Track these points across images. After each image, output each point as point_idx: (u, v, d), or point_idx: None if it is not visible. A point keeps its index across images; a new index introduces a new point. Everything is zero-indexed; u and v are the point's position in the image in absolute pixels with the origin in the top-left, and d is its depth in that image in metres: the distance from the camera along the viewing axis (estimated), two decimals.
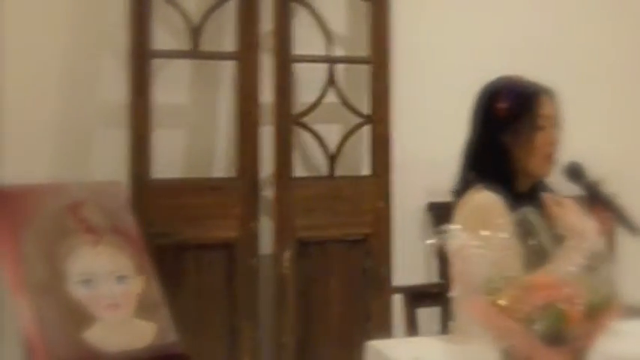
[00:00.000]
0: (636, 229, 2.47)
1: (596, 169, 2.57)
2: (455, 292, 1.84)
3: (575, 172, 2.52)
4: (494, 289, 1.82)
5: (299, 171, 3.75)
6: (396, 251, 3.77)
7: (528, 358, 1.80)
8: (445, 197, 2.63)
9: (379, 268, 3.73)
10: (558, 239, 1.98)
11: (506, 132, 2.45)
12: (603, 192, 2.51)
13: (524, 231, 2.06)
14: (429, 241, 2.02)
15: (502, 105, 2.46)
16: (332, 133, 3.79)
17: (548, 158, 2.47)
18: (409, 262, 3.83)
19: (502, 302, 1.79)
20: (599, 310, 1.82)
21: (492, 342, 1.83)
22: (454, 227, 1.90)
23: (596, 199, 2.50)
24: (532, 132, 2.43)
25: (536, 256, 1.96)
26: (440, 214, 3.66)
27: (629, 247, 3.04)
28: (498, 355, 1.85)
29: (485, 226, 1.96)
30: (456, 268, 1.89)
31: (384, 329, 3.60)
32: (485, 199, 2.39)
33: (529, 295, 1.80)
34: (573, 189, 2.55)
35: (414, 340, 2.52)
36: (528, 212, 2.03)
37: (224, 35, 3.67)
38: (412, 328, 2.67)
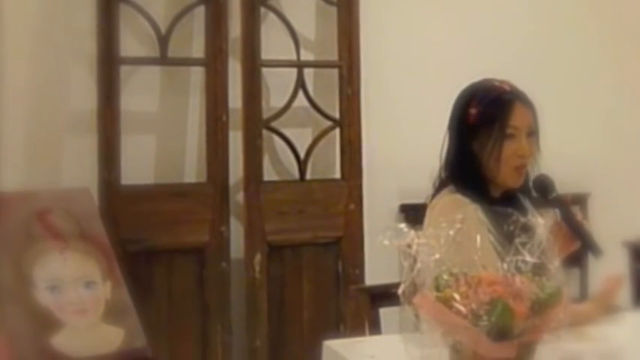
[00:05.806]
0: (598, 251, 2.36)
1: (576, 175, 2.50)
2: (401, 290, 1.85)
3: (543, 186, 2.42)
4: (440, 286, 1.83)
5: (269, 175, 3.77)
6: (369, 253, 3.77)
7: (475, 353, 1.81)
8: (417, 199, 2.59)
9: (351, 270, 3.74)
10: (509, 237, 1.98)
11: (476, 139, 2.37)
12: (568, 210, 2.41)
13: None
14: (385, 242, 2.01)
15: (473, 111, 2.37)
16: (302, 137, 3.80)
17: (517, 169, 2.37)
18: (382, 264, 3.83)
19: (448, 298, 1.80)
20: (546, 306, 1.82)
21: (440, 338, 1.83)
22: (402, 226, 1.91)
23: (561, 217, 2.40)
24: (500, 141, 2.33)
25: None
26: (412, 215, 3.67)
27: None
28: (447, 351, 1.86)
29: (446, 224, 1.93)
30: (404, 265, 1.89)
31: (357, 331, 3.60)
32: (452, 200, 2.35)
33: (475, 291, 1.81)
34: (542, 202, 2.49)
35: (372, 339, 2.51)
36: (477, 210, 2.03)
37: (193, 41, 3.69)
38: (375, 328, 2.66)
